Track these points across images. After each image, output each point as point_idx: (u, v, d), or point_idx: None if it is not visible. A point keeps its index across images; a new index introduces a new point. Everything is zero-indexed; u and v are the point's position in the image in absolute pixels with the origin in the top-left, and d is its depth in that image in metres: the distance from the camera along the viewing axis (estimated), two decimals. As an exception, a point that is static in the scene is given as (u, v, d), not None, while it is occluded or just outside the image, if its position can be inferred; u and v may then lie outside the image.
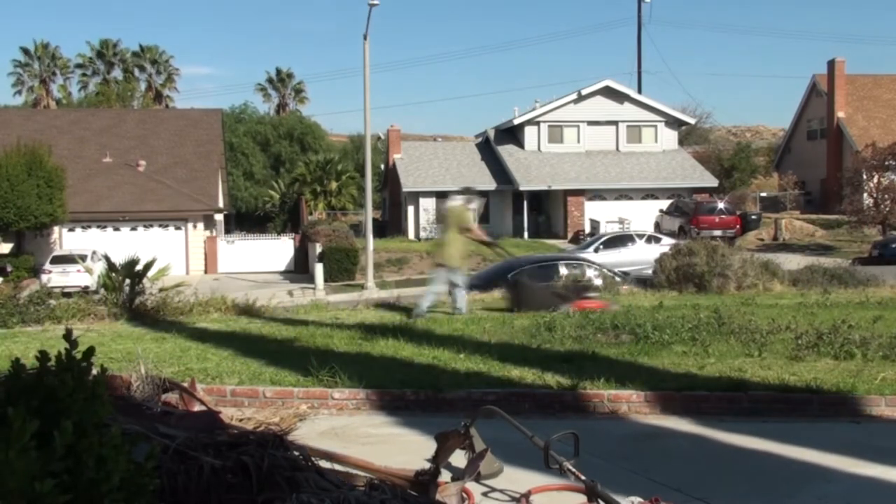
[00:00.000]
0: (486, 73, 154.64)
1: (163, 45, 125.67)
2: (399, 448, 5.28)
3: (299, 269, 38.05)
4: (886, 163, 36.93)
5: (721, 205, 36.85)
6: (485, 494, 4.36)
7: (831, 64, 47.99)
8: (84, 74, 74.44)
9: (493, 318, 10.63)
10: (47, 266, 31.18)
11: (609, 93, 45.17)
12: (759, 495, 4.59)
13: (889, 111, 48.45)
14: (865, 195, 36.62)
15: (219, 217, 43.25)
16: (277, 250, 40.63)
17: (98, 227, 39.54)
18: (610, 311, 11.07)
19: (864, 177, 37.05)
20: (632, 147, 45.17)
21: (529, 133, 45.11)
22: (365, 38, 30.88)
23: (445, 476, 4.16)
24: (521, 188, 42.16)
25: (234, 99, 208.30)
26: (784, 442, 5.53)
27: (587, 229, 40.33)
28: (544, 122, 44.99)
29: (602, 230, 36.63)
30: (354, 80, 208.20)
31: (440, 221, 12.38)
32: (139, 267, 11.99)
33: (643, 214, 40.04)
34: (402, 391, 6.51)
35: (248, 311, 12.38)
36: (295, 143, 65.52)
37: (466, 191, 12.81)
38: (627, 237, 30.37)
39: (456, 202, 11.86)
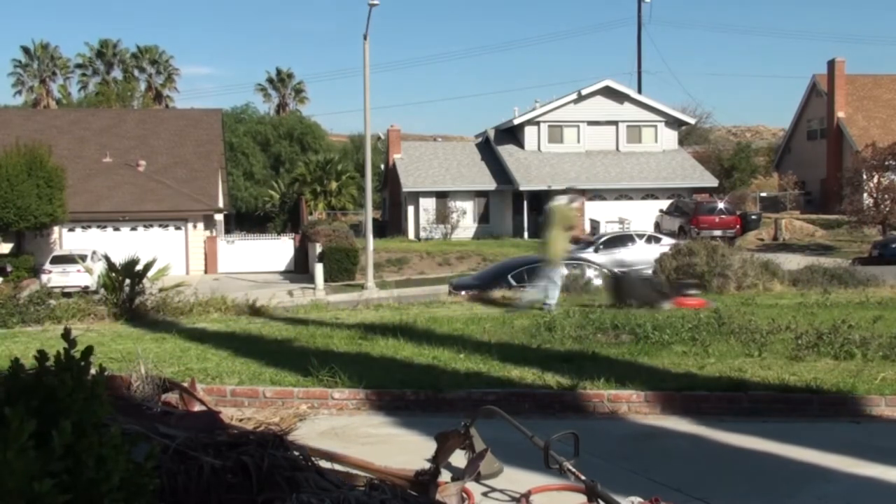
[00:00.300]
0: (486, 73, 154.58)
1: (163, 45, 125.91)
2: (399, 448, 5.28)
3: (299, 269, 38.05)
4: (886, 163, 36.92)
5: (721, 205, 36.86)
6: (485, 494, 4.36)
7: (831, 64, 47.99)
8: (84, 74, 74.48)
9: (493, 318, 10.63)
10: (47, 266, 31.18)
11: (609, 93, 45.17)
12: (759, 495, 4.59)
13: (889, 111, 48.44)
14: (865, 195, 36.62)
15: (219, 217, 43.25)
16: (277, 250, 40.63)
17: (98, 227, 39.53)
18: (709, 309, 11.13)
19: (864, 177, 37.05)
20: (632, 147, 45.17)
21: (529, 133, 45.11)
22: (365, 38, 30.89)
23: (445, 476, 4.16)
24: (521, 188, 42.15)
25: (235, 99, 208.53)
26: (784, 442, 5.53)
27: (587, 229, 40.33)
28: (544, 122, 44.99)
29: (602, 230, 36.63)
30: (354, 80, 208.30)
31: (544, 220, 12.70)
32: (139, 267, 11.98)
33: (643, 214, 40.04)
34: (402, 391, 6.51)
35: (256, 311, 12.40)
36: (295, 143, 65.52)
37: (569, 190, 13.22)
38: (627, 237, 30.38)
39: (560, 201, 12.14)
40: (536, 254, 12.45)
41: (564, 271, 11.89)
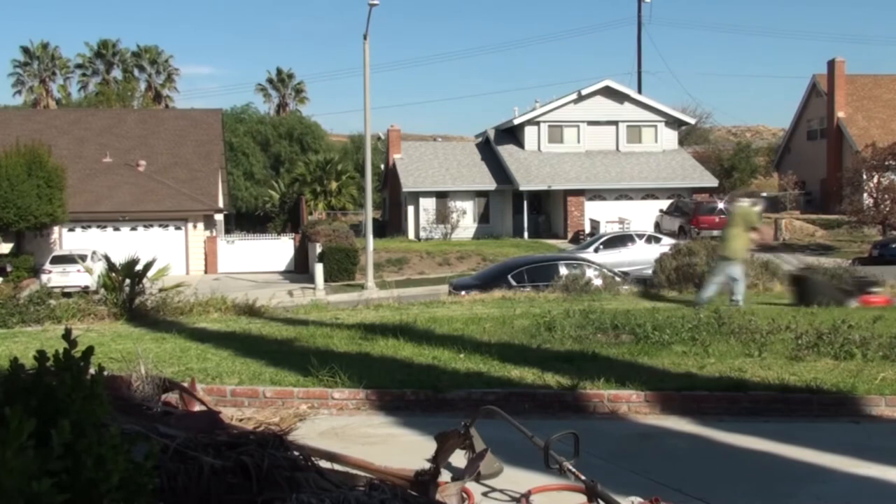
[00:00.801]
0: (486, 73, 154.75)
1: (163, 44, 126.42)
2: (399, 448, 5.28)
3: (299, 269, 38.06)
4: (886, 163, 36.94)
5: (721, 205, 36.83)
6: (485, 494, 4.36)
7: (831, 64, 47.98)
8: (84, 74, 74.51)
9: (493, 318, 10.63)
10: (47, 266, 31.18)
11: (609, 93, 45.16)
12: (759, 495, 4.59)
13: (889, 111, 48.42)
14: (865, 195, 36.63)
15: (219, 217, 43.25)
16: (277, 250, 40.63)
17: (98, 227, 39.54)
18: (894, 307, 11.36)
19: (864, 177, 37.06)
20: (632, 147, 45.16)
21: (529, 133, 45.10)
22: (365, 38, 30.89)
23: (445, 476, 4.16)
24: (521, 188, 42.15)
25: (235, 99, 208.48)
26: (784, 442, 5.53)
27: (587, 229, 40.33)
28: (544, 122, 44.99)
29: (602, 230, 36.64)
30: (354, 80, 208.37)
31: (727, 219, 13.66)
32: (139, 267, 11.98)
33: (643, 214, 40.04)
34: (402, 391, 6.51)
35: (250, 310, 12.40)
36: (295, 143, 65.54)
37: (752, 194, 14.57)
38: (627, 237, 30.38)
39: (744, 203, 13.02)
40: (717, 250, 13.31)
41: (742, 268, 12.66)
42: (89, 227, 39.44)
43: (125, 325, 10.66)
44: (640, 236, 30.22)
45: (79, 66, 74.34)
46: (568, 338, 8.87)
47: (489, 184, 43.75)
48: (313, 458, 3.69)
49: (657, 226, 38.01)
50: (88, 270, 25.38)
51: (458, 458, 4.41)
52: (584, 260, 20.26)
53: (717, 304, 11.43)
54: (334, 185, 58.05)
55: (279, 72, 78.51)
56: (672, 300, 13.34)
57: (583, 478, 3.97)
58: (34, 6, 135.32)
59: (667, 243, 25.91)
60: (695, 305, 11.70)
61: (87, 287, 24.40)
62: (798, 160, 52.41)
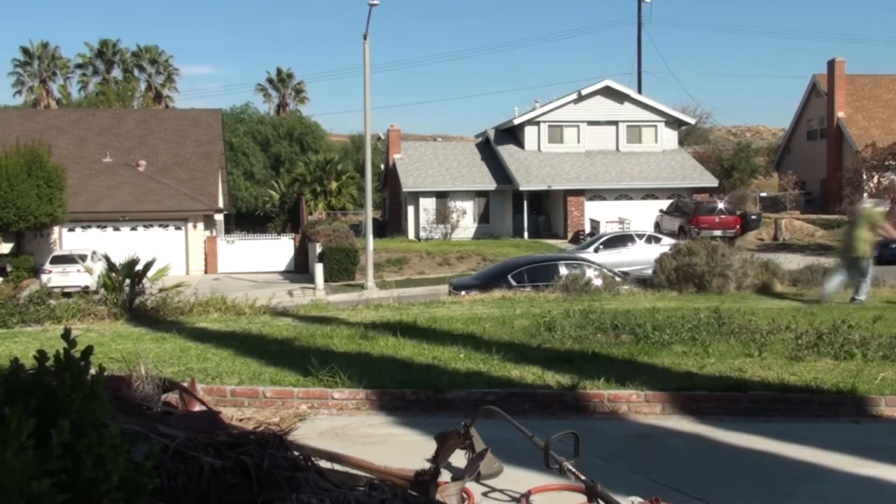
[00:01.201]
0: (486, 73, 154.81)
1: (163, 44, 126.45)
2: (399, 448, 5.28)
3: (299, 269, 38.05)
4: (886, 163, 36.95)
5: (721, 205, 36.82)
6: (485, 494, 4.36)
7: (831, 64, 47.96)
8: (84, 74, 74.53)
9: (493, 318, 10.62)
10: (47, 266, 31.16)
11: (609, 93, 45.14)
12: (759, 495, 4.59)
13: (889, 111, 48.40)
14: (865, 195, 36.61)
15: (219, 217, 43.23)
16: (277, 250, 40.61)
17: (98, 227, 39.52)
18: None
19: (864, 177, 37.07)
20: (632, 147, 45.15)
21: (529, 133, 45.09)
22: (365, 38, 30.88)
23: (445, 476, 4.16)
24: (521, 188, 42.13)
25: (235, 99, 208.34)
26: (784, 442, 5.53)
27: (587, 229, 40.30)
28: (544, 122, 44.96)
29: (602, 230, 36.61)
30: (354, 80, 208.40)
31: (850, 219, 14.39)
32: (139, 267, 11.98)
33: (643, 214, 40.01)
34: (402, 391, 6.51)
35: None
36: (295, 143, 65.52)
37: (875, 195, 14.88)
38: (627, 237, 30.36)
39: (867, 204, 13.95)
40: (839, 249, 14.10)
41: (871, 266, 13.40)
42: (89, 227, 39.43)
43: (125, 325, 10.67)
44: (640, 236, 30.20)
45: (79, 66, 74.38)
46: (568, 338, 8.87)
47: (489, 184, 43.74)
48: (313, 458, 3.69)
49: (657, 226, 37.98)
50: (88, 270, 25.38)
51: (458, 458, 4.41)
52: (584, 260, 20.23)
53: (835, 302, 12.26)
54: (334, 185, 58.04)
55: (279, 72, 78.56)
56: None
57: (583, 478, 3.97)
58: (34, 6, 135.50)
59: (667, 243, 25.87)
60: (822, 301, 12.39)
61: (87, 287, 24.40)
62: (798, 160, 52.39)
